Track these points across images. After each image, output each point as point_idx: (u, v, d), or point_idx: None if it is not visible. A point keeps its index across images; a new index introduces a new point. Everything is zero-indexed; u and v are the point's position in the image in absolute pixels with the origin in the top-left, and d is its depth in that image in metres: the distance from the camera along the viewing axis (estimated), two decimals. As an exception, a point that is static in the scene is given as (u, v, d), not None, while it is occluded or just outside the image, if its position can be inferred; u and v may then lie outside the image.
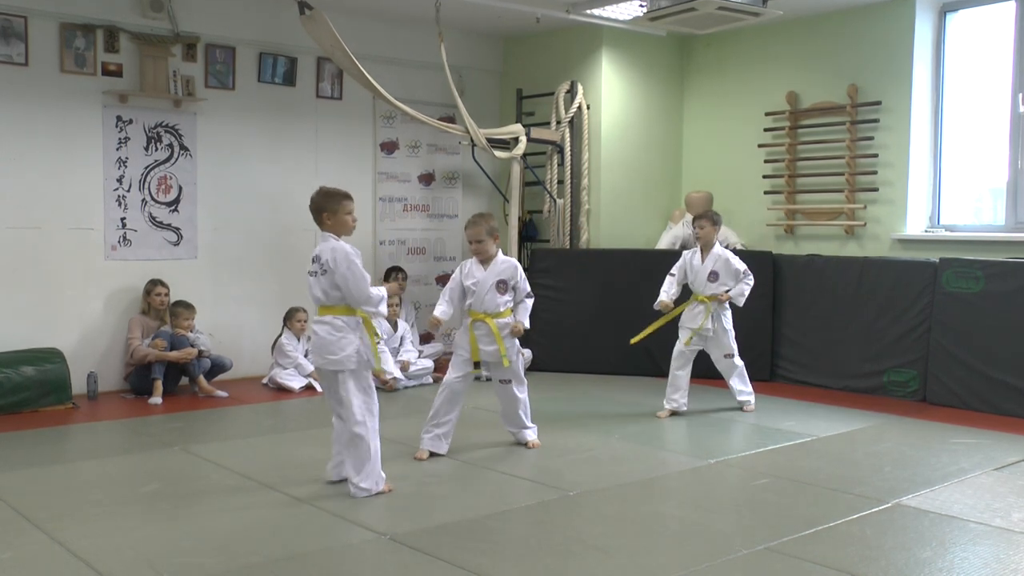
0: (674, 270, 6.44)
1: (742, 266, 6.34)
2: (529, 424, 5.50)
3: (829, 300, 7.36)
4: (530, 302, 5.44)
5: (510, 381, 5.35)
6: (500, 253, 5.37)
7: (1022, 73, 7.05)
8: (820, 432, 5.88)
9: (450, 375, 5.30)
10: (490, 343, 5.24)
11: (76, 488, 4.62)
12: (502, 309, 5.29)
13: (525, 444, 5.45)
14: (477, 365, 5.30)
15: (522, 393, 5.44)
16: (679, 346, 6.38)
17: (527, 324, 5.37)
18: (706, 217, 6.44)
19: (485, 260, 5.30)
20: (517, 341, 5.39)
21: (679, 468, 5.06)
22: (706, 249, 6.38)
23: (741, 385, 6.47)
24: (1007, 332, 6.41)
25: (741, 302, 6.34)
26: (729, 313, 6.40)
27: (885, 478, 4.82)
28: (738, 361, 6.44)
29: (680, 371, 6.35)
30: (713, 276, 6.29)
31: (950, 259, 6.78)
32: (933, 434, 5.83)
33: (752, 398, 6.51)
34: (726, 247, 7.98)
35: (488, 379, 5.69)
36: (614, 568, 3.59)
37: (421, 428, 5.32)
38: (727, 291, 6.27)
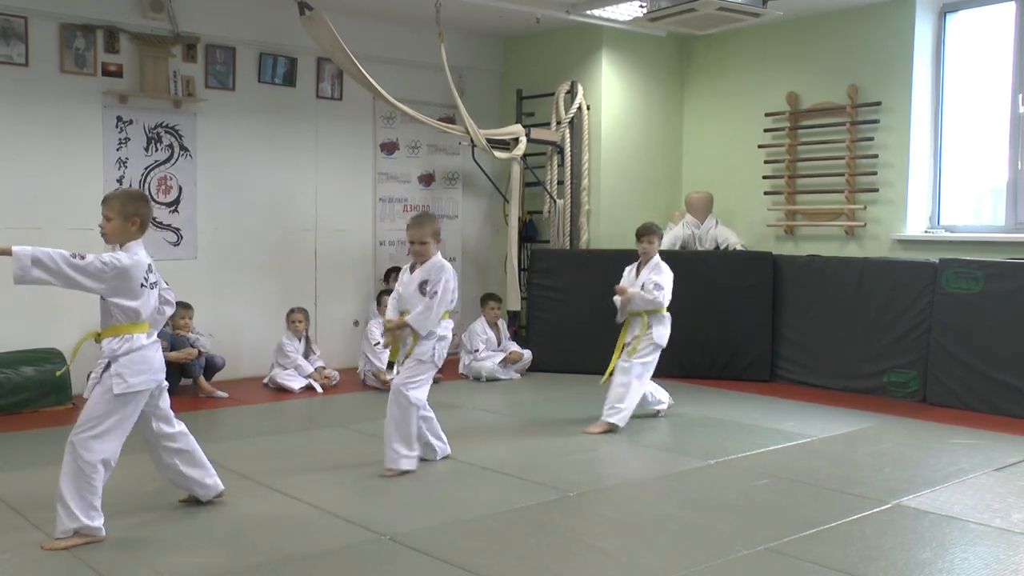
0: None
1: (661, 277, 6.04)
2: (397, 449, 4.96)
3: (829, 300, 7.36)
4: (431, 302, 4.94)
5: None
6: (438, 255, 5.09)
7: (1022, 73, 7.05)
8: (820, 432, 5.88)
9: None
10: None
11: (76, 488, 4.62)
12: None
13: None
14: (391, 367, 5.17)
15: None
16: (622, 363, 5.97)
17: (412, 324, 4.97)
18: (656, 233, 6.12)
19: (419, 263, 5.04)
20: (425, 347, 5.00)
21: (679, 468, 5.06)
22: (645, 263, 6.07)
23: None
24: (1007, 332, 6.41)
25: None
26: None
27: (885, 478, 4.82)
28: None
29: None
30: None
31: (950, 259, 6.78)
32: (933, 434, 5.83)
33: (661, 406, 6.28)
34: (726, 247, 8.03)
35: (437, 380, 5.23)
36: (614, 568, 3.59)
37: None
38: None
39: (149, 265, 3.98)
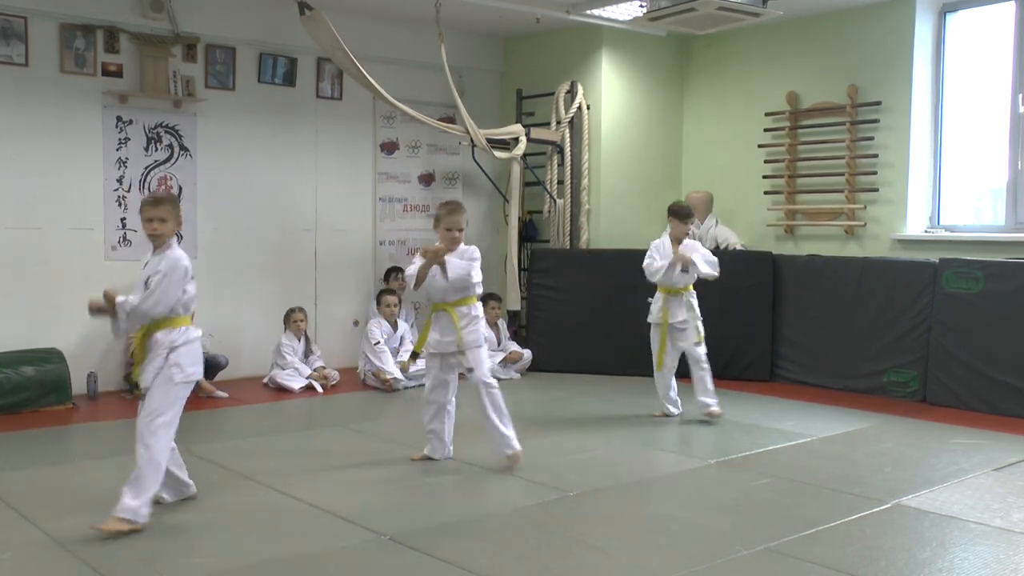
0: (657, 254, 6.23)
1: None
2: None
3: (829, 300, 7.36)
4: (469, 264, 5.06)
5: (472, 369, 5.04)
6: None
7: (1022, 73, 7.05)
8: (820, 432, 5.88)
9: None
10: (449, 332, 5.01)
11: (76, 488, 4.62)
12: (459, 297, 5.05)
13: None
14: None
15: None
16: (695, 352, 6.14)
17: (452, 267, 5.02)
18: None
19: (451, 250, 5.08)
20: (474, 332, 5.08)
21: (679, 468, 5.06)
22: (679, 243, 6.22)
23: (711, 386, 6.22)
24: (1007, 332, 6.41)
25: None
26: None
27: (885, 478, 4.82)
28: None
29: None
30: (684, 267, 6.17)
31: (950, 259, 6.78)
32: (933, 434, 5.83)
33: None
34: (726, 247, 8.02)
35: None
36: (614, 568, 3.59)
37: (421, 429, 5.30)
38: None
39: None
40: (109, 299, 4.05)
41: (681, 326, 6.16)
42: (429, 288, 5.04)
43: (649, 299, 6.33)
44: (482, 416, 4.99)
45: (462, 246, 5.13)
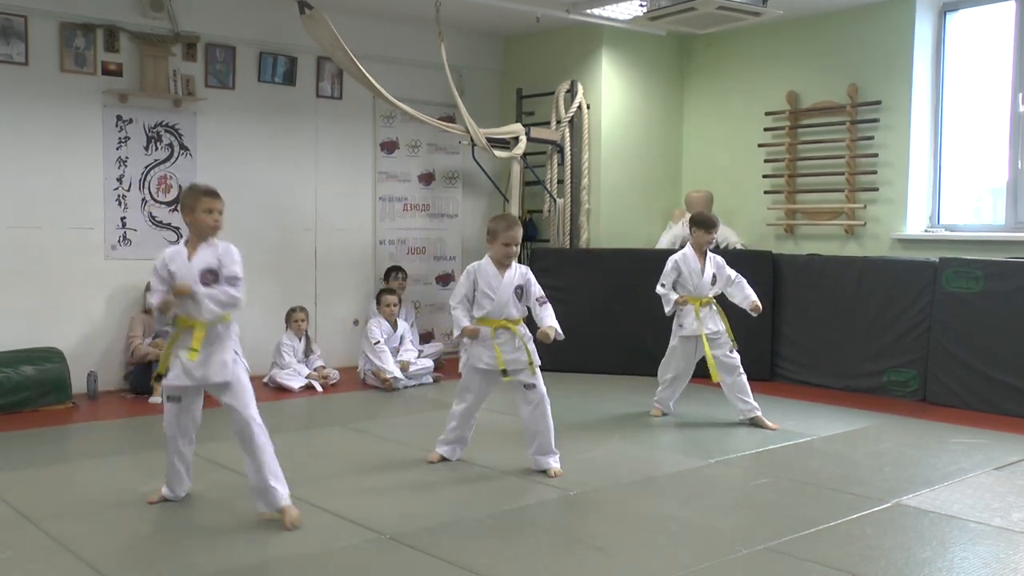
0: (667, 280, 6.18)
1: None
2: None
3: (829, 300, 7.36)
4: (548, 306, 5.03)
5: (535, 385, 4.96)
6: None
7: (1022, 73, 7.05)
8: (820, 432, 5.88)
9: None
10: (514, 350, 4.92)
11: (76, 488, 4.63)
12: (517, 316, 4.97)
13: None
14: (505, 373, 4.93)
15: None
16: (726, 358, 6.09)
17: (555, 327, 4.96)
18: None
19: (506, 265, 4.97)
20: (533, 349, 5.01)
21: (679, 468, 5.06)
22: (702, 252, 6.20)
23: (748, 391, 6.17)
24: (1007, 332, 6.41)
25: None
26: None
27: (885, 478, 4.82)
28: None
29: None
30: (714, 278, 6.18)
31: (950, 259, 6.78)
32: (933, 434, 5.83)
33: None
34: (726, 247, 8.02)
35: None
36: (614, 568, 3.59)
37: (421, 428, 5.31)
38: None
39: None
40: (185, 289, 4.05)
41: (715, 336, 6.07)
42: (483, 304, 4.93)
43: (670, 306, 6.15)
44: (541, 423, 4.92)
45: (516, 265, 5.00)
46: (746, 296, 6.16)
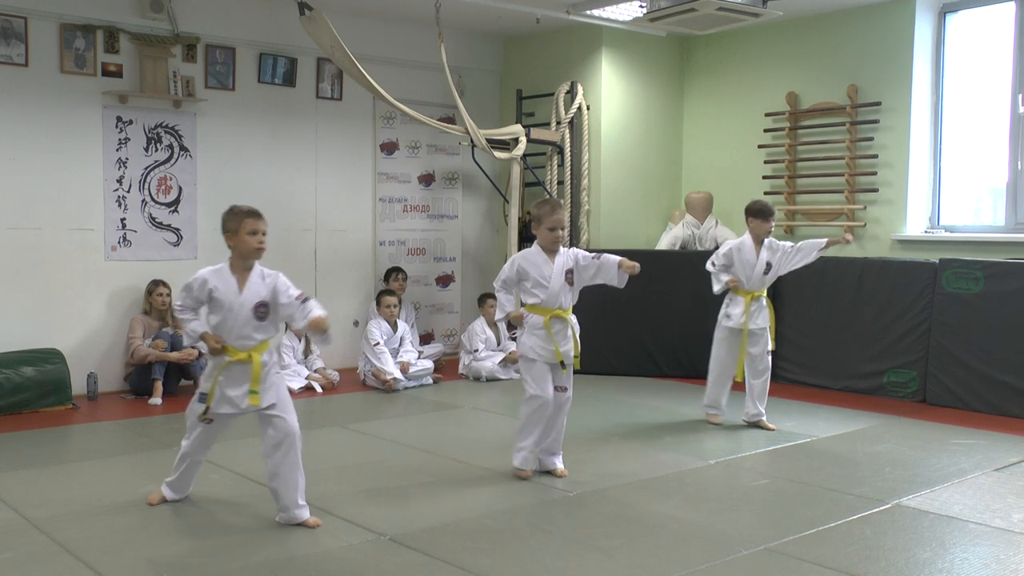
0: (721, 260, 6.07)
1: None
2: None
3: (829, 300, 7.36)
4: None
5: (567, 388, 4.89)
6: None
7: (1022, 73, 7.05)
8: (820, 432, 5.88)
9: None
10: (566, 340, 4.83)
11: (76, 488, 4.62)
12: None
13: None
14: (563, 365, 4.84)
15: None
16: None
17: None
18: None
19: (554, 251, 4.83)
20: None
21: (679, 468, 5.06)
22: (760, 242, 6.05)
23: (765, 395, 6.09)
24: (1007, 332, 6.41)
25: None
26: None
27: (885, 478, 4.82)
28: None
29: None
30: (768, 268, 6.02)
31: (950, 259, 6.78)
32: (933, 434, 5.83)
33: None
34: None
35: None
36: (614, 568, 3.59)
37: (421, 429, 5.30)
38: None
39: None
40: (326, 326, 4.17)
41: (760, 332, 5.94)
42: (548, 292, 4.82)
43: (720, 292, 6.05)
44: (559, 424, 4.89)
45: (564, 249, 4.88)
46: (813, 245, 5.96)
